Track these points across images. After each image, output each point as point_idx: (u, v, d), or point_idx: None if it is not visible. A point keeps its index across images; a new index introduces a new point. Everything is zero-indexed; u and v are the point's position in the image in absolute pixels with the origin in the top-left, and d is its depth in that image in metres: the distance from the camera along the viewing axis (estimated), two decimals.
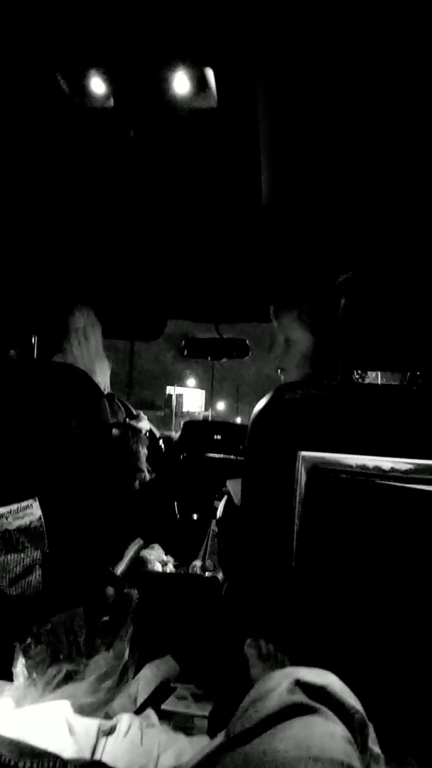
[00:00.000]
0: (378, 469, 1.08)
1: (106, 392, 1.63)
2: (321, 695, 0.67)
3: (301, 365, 1.45)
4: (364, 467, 1.08)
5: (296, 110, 1.16)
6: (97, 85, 1.12)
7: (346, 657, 0.91)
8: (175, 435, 2.46)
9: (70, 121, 1.24)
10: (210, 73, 1.06)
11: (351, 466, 1.09)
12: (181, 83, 1.10)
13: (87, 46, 1.03)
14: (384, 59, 1.00)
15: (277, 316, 1.53)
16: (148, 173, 1.48)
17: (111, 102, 1.16)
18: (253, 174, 1.39)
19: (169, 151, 1.35)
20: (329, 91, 1.09)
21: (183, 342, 2.74)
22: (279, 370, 1.49)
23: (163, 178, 1.50)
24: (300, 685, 0.68)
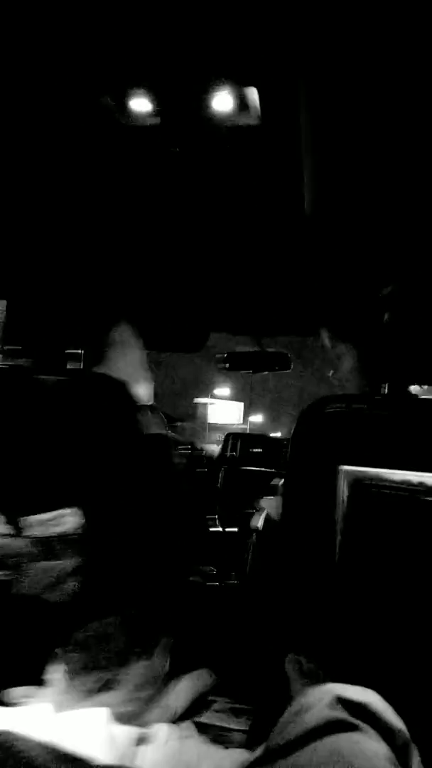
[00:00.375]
0: (422, 484, 1.06)
1: (149, 403, 1.64)
2: (362, 713, 0.66)
3: (352, 379, 1.44)
4: (408, 483, 1.06)
5: (338, 125, 1.17)
6: (143, 105, 1.15)
7: (389, 676, 0.89)
8: (214, 448, 2.47)
9: (117, 139, 1.28)
10: (253, 92, 1.08)
11: (394, 482, 1.07)
12: (224, 101, 1.12)
13: (134, 67, 1.06)
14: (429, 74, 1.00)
15: (321, 332, 1.53)
16: (192, 188, 1.50)
17: (156, 120, 1.19)
18: (296, 187, 1.40)
19: (213, 167, 1.38)
20: (372, 105, 1.10)
21: (224, 355, 2.74)
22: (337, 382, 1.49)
23: (207, 192, 1.52)
24: (341, 701, 0.67)
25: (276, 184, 1.45)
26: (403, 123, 1.14)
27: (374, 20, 0.88)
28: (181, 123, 1.20)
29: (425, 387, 1.46)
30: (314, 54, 0.97)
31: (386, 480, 1.08)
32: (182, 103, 1.14)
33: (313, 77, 1.03)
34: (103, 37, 0.98)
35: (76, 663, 1.08)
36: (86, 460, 1.29)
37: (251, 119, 1.15)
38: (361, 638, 1.05)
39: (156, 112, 1.17)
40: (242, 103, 1.12)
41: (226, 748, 0.91)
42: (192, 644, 1.20)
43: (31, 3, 0.90)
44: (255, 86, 1.06)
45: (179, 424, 2.05)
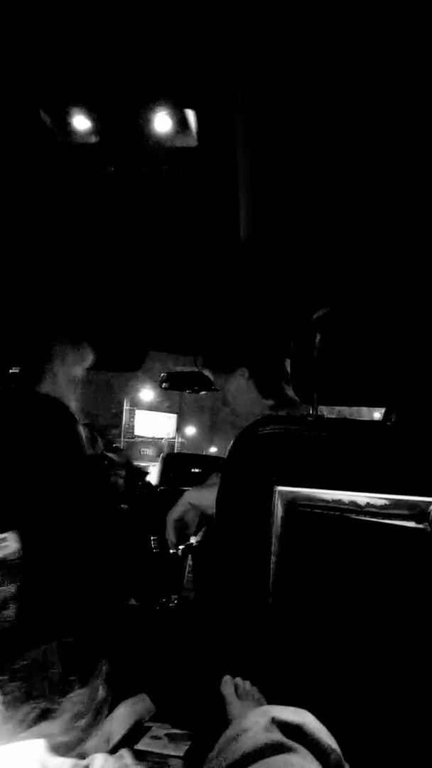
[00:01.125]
0: (354, 504, 1.10)
1: (87, 422, 1.63)
2: (297, 734, 0.67)
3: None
4: (339, 502, 1.10)
5: (275, 151, 1.20)
6: (81, 122, 1.15)
7: (323, 695, 0.91)
8: (151, 468, 2.47)
9: (52, 157, 1.27)
10: (191, 114, 1.09)
11: (327, 501, 1.11)
12: (162, 122, 1.13)
13: (72, 83, 1.06)
14: (366, 104, 1.05)
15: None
16: (128, 209, 1.51)
17: (94, 138, 1.19)
18: (232, 210, 1.42)
19: (149, 187, 1.38)
20: (308, 132, 1.14)
21: (162, 375, 2.75)
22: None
23: (143, 213, 1.53)
24: (276, 723, 0.68)
25: (212, 207, 1.47)
26: (339, 147, 1.18)
27: (312, 44, 0.92)
28: (119, 142, 1.21)
29: (356, 408, 1.51)
30: (252, 78, 1.00)
31: (319, 500, 1.11)
32: (121, 121, 1.15)
33: (251, 101, 1.06)
34: (42, 52, 0.98)
35: (13, 693, 1.05)
36: (25, 482, 1.27)
37: (189, 141, 1.16)
38: (297, 658, 1.07)
39: (94, 131, 1.16)
40: (180, 125, 1.13)
41: None
42: (129, 669, 1.19)
43: None
44: (193, 108, 1.07)
45: (115, 444, 2.03)
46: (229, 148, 1.18)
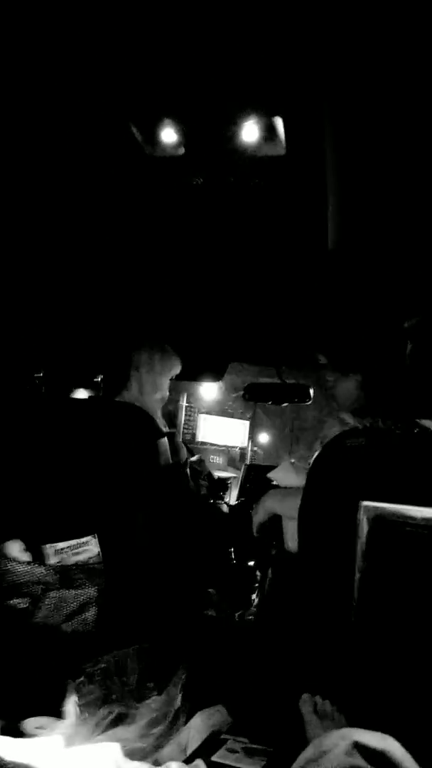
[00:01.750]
0: None
1: (171, 430, 1.65)
2: (381, 760, 0.64)
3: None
4: (430, 521, 1.04)
5: (363, 158, 1.17)
6: (169, 135, 1.16)
7: (409, 721, 0.86)
8: (233, 475, 2.45)
9: (142, 168, 1.30)
10: (279, 122, 1.08)
11: (416, 519, 1.05)
12: (250, 132, 1.12)
13: (161, 98, 1.08)
14: None
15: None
16: (216, 219, 1.52)
17: (181, 151, 1.20)
18: (320, 219, 1.40)
19: (236, 197, 1.38)
20: (398, 138, 1.10)
21: (245, 386, 2.74)
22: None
23: (230, 222, 1.53)
24: (358, 747, 0.65)
25: (300, 216, 1.46)
26: (429, 154, 1.14)
27: (399, 53, 0.90)
28: (206, 154, 1.21)
29: None
30: (340, 85, 0.99)
31: (408, 517, 1.06)
32: (207, 133, 1.15)
33: (339, 109, 1.04)
34: (131, 69, 1.01)
35: (90, 695, 1.06)
36: (107, 489, 1.29)
37: (277, 149, 1.15)
38: (380, 680, 1.02)
39: (181, 143, 1.18)
40: (268, 134, 1.12)
41: None
42: (206, 680, 1.18)
43: (65, 35, 0.93)
44: (281, 116, 1.07)
45: (197, 454, 2.04)
46: (317, 156, 1.17)
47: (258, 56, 0.96)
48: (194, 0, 0.86)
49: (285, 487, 1.54)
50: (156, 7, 0.88)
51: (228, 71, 1.00)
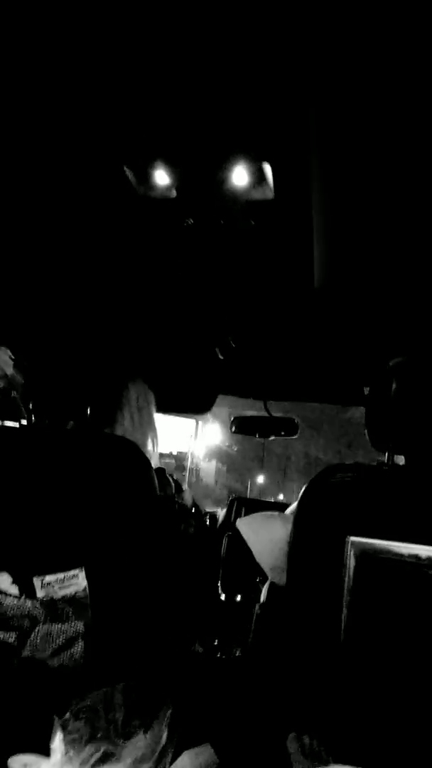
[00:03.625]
0: (431, 559, 1.05)
1: (155, 466, 1.65)
2: None
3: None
4: (416, 557, 1.06)
5: (350, 201, 1.22)
6: (161, 177, 1.21)
7: (397, 758, 0.86)
8: (221, 512, 2.46)
9: (133, 209, 1.34)
10: (268, 168, 1.13)
11: (403, 555, 1.07)
12: (240, 176, 1.17)
13: (155, 142, 1.13)
14: None
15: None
16: (204, 258, 1.56)
17: (173, 193, 1.24)
18: (306, 260, 1.44)
19: (225, 238, 1.43)
20: (383, 185, 1.15)
21: (231, 419, 2.77)
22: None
23: (218, 262, 1.57)
24: None
25: (286, 256, 1.50)
26: (415, 200, 1.19)
27: (386, 99, 0.94)
28: (197, 196, 1.26)
29: None
30: (327, 131, 1.03)
31: (394, 553, 1.08)
32: (199, 176, 1.20)
33: (326, 154, 1.09)
34: (126, 112, 1.05)
35: (76, 732, 1.05)
36: (97, 521, 1.30)
37: (265, 193, 1.19)
38: (367, 717, 1.02)
39: (173, 185, 1.22)
40: (257, 178, 1.17)
41: None
42: (193, 717, 1.17)
43: (59, 74, 0.97)
44: (269, 162, 1.11)
45: (185, 488, 2.04)
46: (304, 199, 1.21)
47: (248, 106, 1.01)
48: (189, 51, 0.90)
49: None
50: (150, 57, 0.92)
51: (219, 119, 1.04)
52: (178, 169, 1.18)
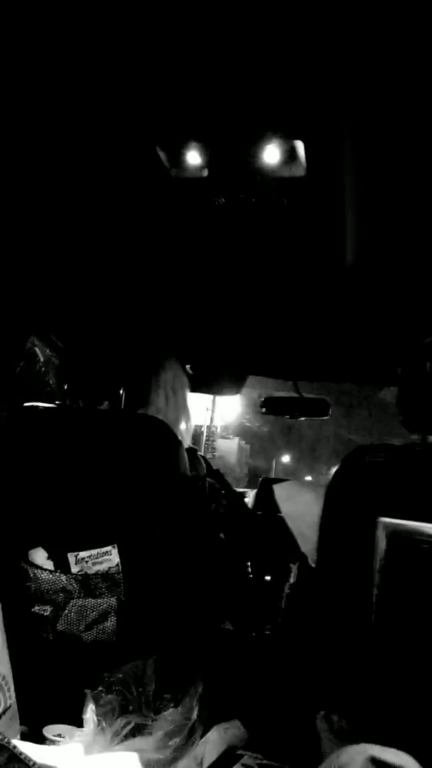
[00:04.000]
0: None
1: (190, 446, 1.67)
2: None
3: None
4: None
5: (381, 178, 1.20)
6: (194, 157, 1.20)
7: (425, 739, 0.86)
8: (251, 492, 2.46)
9: (165, 190, 1.33)
10: (300, 145, 1.11)
11: None
12: (271, 154, 1.15)
13: (188, 122, 1.12)
14: None
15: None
16: (236, 236, 1.54)
17: (205, 172, 1.23)
18: (339, 237, 1.42)
19: (257, 216, 1.41)
20: (416, 159, 1.12)
21: (262, 400, 2.76)
22: None
23: (250, 241, 1.56)
24: (375, 762, 0.65)
25: (319, 234, 1.48)
26: None
27: (419, 76, 0.92)
28: (229, 175, 1.24)
29: None
30: (360, 108, 1.01)
31: (426, 534, 1.06)
32: (231, 156, 1.18)
33: (358, 130, 1.06)
34: (158, 92, 1.04)
35: (108, 705, 1.08)
36: (129, 499, 1.31)
37: (297, 171, 1.18)
38: (397, 697, 1.02)
39: (205, 165, 1.21)
40: (289, 156, 1.15)
41: None
42: (223, 693, 1.19)
43: (93, 57, 0.96)
44: (302, 139, 1.09)
45: (216, 468, 2.06)
46: (336, 176, 1.19)
47: (280, 84, 0.99)
48: (221, 29, 0.89)
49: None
50: (182, 36, 0.91)
51: (251, 97, 1.03)
52: (209, 149, 1.17)
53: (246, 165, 1.19)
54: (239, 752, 1.13)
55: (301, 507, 1.42)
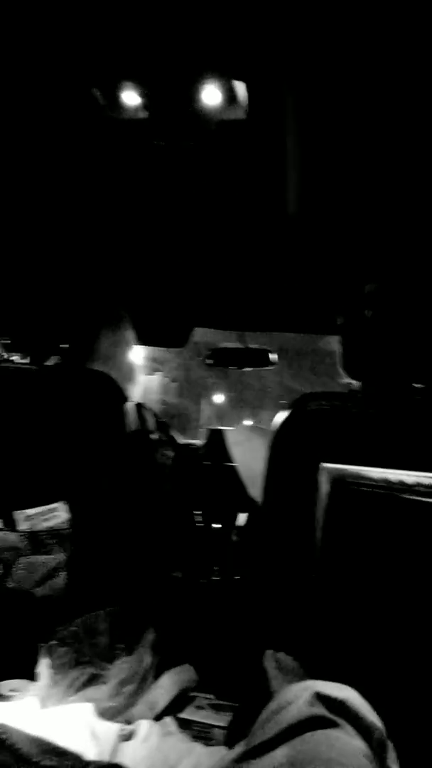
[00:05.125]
0: (402, 483, 1.07)
1: (136, 400, 1.65)
2: (341, 709, 0.67)
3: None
4: (387, 481, 1.08)
5: (324, 123, 1.17)
6: (132, 98, 1.14)
7: (367, 673, 0.91)
8: (200, 443, 2.47)
9: (103, 132, 1.27)
10: (241, 86, 1.07)
11: (374, 480, 1.09)
12: (211, 95, 1.11)
13: (124, 61, 1.06)
14: (420, 74, 1.01)
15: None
16: (177, 182, 1.50)
17: (144, 114, 1.18)
18: (281, 184, 1.40)
19: (198, 161, 1.37)
20: (360, 105, 1.10)
21: (207, 352, 2.75)
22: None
23: (191, 187, 1.52)
24: (320, 698, 0.68)
25: (260, 180, 1.45)
26: (391, 122, 1.15)
27: (363, 18, 0.89)
28: (169, 116, 1.20)
29: None
30: (302, 50, 0.98)
31: (367, 478, 1.10)
32: (171, 96, 1.14)
33: (301, 73, 1.03)
34: (94, 31, 0.98)
35: (62, 658, 1.09)
36: (74, 455, 1.30)
37: (237, 113, 1.14)
38: (340, 635, 1.07)
39: (144, 106, 1.16)
40: (230, 97, 1.12)
41: (207, 744, 0.93)
42: (175, 640, 1.22)
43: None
44: (243, 80, 1.06)
45: (165, 420, 2.05)
46: (278, 121, 1.16)
47: (220, 20, 0.95)
48: None
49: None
50: None
51: (191, 35, 0.98)
52: (147, 89, 1.12)
53: (186, 106, 1.15)
54: (192, 694, 1.17)
55: (251, 451, 1.45)
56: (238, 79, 1.06)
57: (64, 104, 1.19)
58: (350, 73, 1.03)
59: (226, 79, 1.07)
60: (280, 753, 0.60)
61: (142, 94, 1.14)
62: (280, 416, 1.23)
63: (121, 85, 1.12)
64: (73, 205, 1.64)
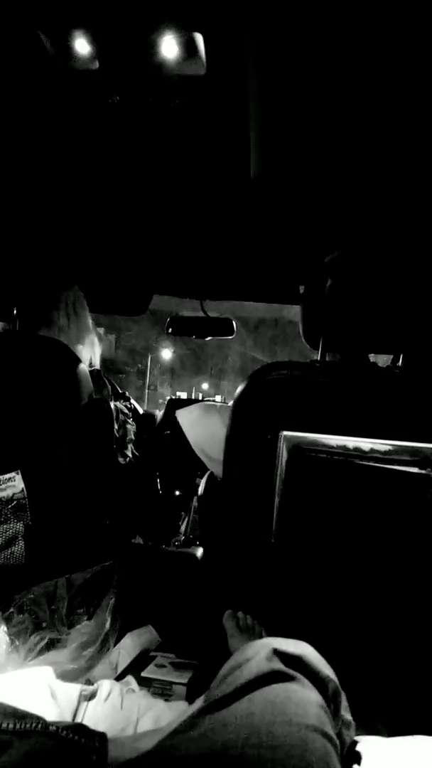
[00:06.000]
0: (358, 449, 1.10)
1: (94, 368, 1.63)
2: (297, 664, 0.70)
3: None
4: (344, 448, 1.11)
5: (287, 81, 1.15)
6: (82, 46, 1.08)
7: (321, 629, 0.94)
8: (159, 413, 2.47)
9: (52, 83, 1.21)
10: (199, 38, 1.03)
11: (332, 447, 1.12)
12: (169, 47, 1.06)
13: (73, 3, 1.00)
14: (381, 33, 0.99)
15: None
16: (133, 142, 1.45)
17: (96, 64, 1.13)
18: (242, 147, 1.37)
19: (155, 119, 1.33)
20: (322, 63, 1.08)
21: (167, 320, 2.73)
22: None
23: (149, 147, 1.48)
24: (277, 654, 0.71)
25: (221, 142, 1.42)
26: (354, 86, 1.13)
27: None
28: (123, 68, 1.14)
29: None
30: (263, 3, 0.95)
31: (324, 445, 1.12)
32: (123, 45, 1.08)
33: (262, 26, 1.00)
34: None
35: (20, 624, 1.09)
36: (30, 425, 1.28)
37: (197, 68, 1.09)
38: (297, 594, 1.10)
39: (96, 55, 1.10)
40: (188, 50, 1.07)
41: (167, 700, 0.95)
42: (135, 603, 1.23)
43: None
44: (201, 32, 1.01)
45: (123, 390, 2.04)
46: (239, 78, 1.13)
47: None
48: None
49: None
50: None
51: None
52: (100, 37, 1.06)
53: (141, 57, 1.09)
54: (152, 654, 1.19)
55: (205, 430, 1.45)
56: (196, 30, 1.02)
57: (7, 52, 1.12)
58: (314, 31, 1.00)
59: (184, 30, 1.03)
60: (241, 706, 0.62)
61: (92, 42, 1.07)
62: (242, 386, 1.24)
63: (70, 30, 1.05)
64: (23, 166, 1.57)
